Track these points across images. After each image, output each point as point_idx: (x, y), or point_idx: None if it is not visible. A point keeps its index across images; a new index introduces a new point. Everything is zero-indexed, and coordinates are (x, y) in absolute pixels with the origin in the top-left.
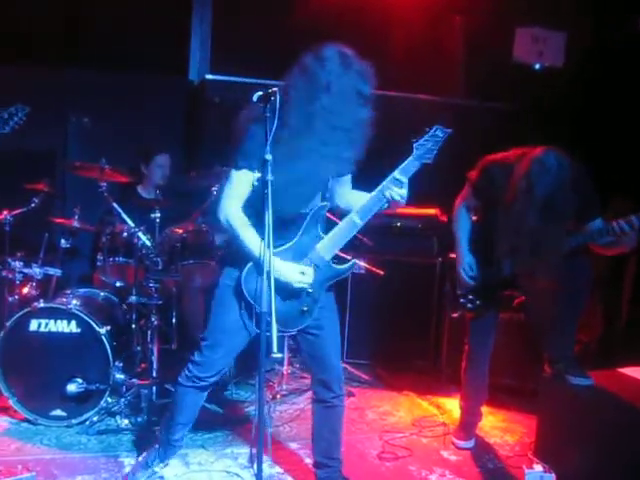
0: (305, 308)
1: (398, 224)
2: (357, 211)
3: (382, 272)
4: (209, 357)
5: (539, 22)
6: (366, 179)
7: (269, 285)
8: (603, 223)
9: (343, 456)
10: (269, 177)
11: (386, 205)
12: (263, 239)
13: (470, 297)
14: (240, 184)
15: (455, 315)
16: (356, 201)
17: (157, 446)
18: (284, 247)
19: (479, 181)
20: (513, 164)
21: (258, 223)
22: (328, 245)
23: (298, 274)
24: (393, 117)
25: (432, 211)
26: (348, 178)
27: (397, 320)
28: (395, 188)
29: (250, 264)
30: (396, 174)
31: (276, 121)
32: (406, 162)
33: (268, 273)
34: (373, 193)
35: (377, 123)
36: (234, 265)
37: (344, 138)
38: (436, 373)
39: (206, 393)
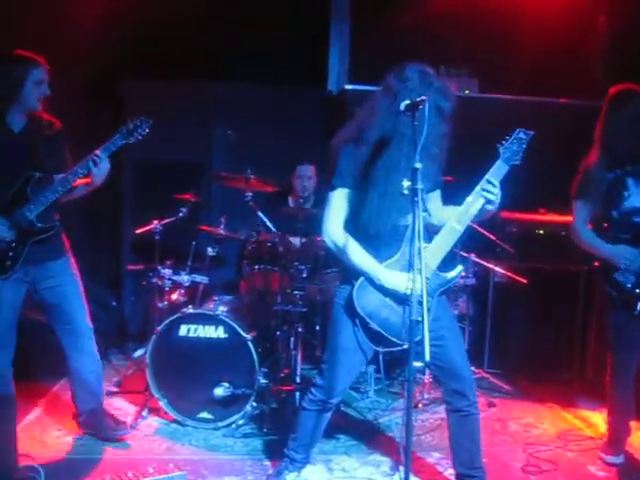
0: (419, 318)
1: (541, 231)
2: (456, 217)
3: (525, 280)
4: (330, 378)
5: None
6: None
7: (422, 291)
8: None
9: (486, 467)
10: (419, 185)
11: (481, 209)
12: (370, 253)
13: None
14: (338, 204)
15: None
16: (450, 215)
17: (286, 459)
18: (390, 260)
19: (583, 186)
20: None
21: (360, 238)
22: (432, 253)
23: (408, 282)
24: (530, 121)
25: None
26: (437, 194)
27: (540, 329)
28: (488, 192)
29: (362, 279)
30: (488, 177)
31: (424, 133)
32: (495, 166)
33: (420, 275)
34: (468, 198)
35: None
36: (345, 283)
37: (425, 154)
38: (581, 385)
39: (329, 414)
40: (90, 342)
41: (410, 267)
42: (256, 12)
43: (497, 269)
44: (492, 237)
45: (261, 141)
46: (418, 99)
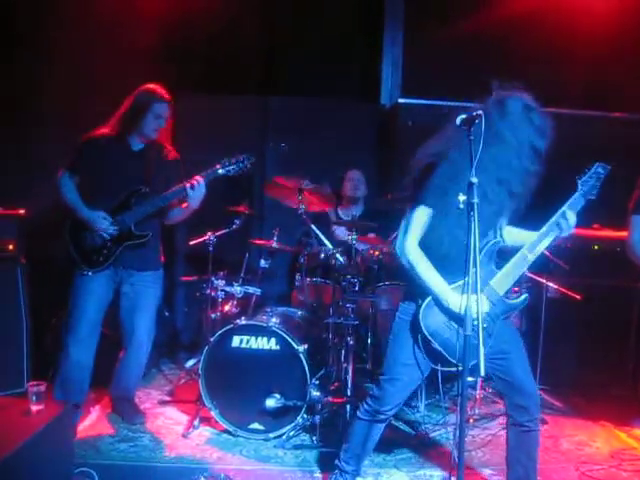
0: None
1: (596, 247)
2: (528, 246)
3: (579, 296)
4: (388, 391)
5: None
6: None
7: (477, 310)
8: None
9: None
10: (475, 200)
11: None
12: (439, 273)
13: None
14: (419, 221)
15: None
16: (523, 239)
17: (337, 471)
18: (458, 282)
19: None
20: None
21: (431, 257)
22: (502, 280)
23: (473, 304)
24: (585, 135)
25: None
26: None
27: (593, 346)
28: (563, 224)
29: (429, 298)
30: (565, 210)
31: (481, 145)
32: (572, 198)
33: (474, 293)
34: (543, 229)
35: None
36: (411, 300)
37: (507, 189)
38: (635, 403)
39: (383, 425)
40: (142, 352)
41: (475, 289)
42: (309, 26)
43: (551, 285)
44: (546, 252)
45: (314, 154)
46: (474, 113)
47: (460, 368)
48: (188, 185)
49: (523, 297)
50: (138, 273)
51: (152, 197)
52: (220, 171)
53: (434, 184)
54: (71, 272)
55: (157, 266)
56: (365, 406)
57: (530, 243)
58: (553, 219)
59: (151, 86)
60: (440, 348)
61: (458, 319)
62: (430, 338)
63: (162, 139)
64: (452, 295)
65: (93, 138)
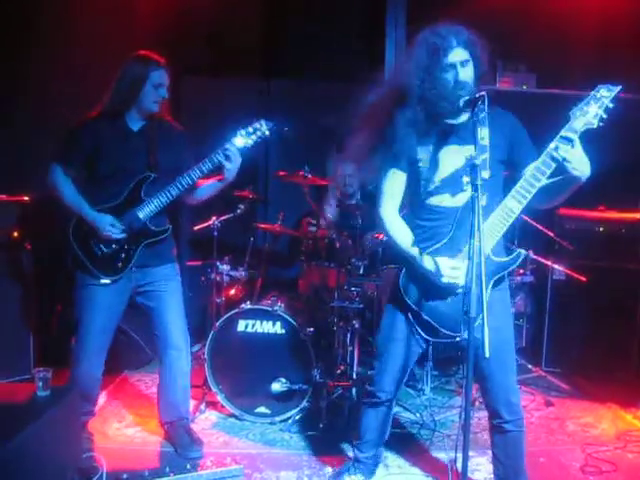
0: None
1: (601, 229)
2: (512, 194)
3: (584, 278)
4: (380, 369)
5: None
6: None
7: (479, 285)
8: None
9: (544, 467)
10: (479, 182)
11: (552, 169)
12: (415, 239)
13: None
14: (393, 183)
15: None
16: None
17: (349, 461)
18: (438, 245)
19: None
20: None
21: (413, 223)
22: (485, 235)
23: (448, 269)
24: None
25: (638, 216)
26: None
27: (599, 328)
28: (564, 147)
29: (404, 270)
30: (563, 132)
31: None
32: (571, 120)
33: (479, 269)
34: (537, 161)
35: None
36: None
37: None
38: None
39: (387, 410)
40: (179, 355)
41: (457, 252)
42: (311, 9)
43: (556, 266)
44: (551, 234)
45: (317, 138)
46: (477, 95)
47: (454, 339)
48: (223, 156)
49: (515, 253)
50: (154, 269)
51: (165, 185)
52: (245, 138)
53: (404, 149)
54: (75, 276)
55: (172, 259)
56: (365, 389)
57: (515, 188)
58: (551, 145)
59: (143, 52)
60: (428, 318)
61: (435, 286)
62: (416, 308)
63: (162, 112)
64: (424, 258)
65: (85, 123)
